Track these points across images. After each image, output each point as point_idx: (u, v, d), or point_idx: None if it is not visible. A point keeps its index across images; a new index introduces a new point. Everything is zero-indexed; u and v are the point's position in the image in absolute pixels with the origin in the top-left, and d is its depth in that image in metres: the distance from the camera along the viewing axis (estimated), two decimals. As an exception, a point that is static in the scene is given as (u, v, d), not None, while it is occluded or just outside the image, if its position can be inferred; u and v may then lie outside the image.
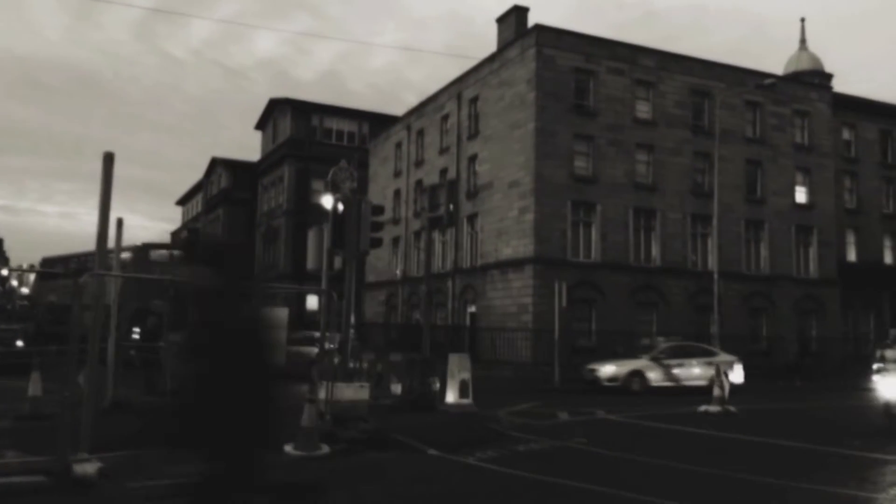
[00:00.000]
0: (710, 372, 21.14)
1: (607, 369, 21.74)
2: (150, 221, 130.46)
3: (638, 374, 21.48)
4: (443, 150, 36.23)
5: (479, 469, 9.58)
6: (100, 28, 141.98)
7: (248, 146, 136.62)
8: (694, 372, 21.87)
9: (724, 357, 22.63)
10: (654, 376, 21.59)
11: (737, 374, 22.03)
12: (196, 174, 69.88)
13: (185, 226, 71.15)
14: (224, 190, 59.18)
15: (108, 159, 8.68)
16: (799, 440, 12.63)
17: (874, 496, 8.46)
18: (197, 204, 71.36)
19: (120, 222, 13.55)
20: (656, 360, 22.02)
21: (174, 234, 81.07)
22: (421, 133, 38.93)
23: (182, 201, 79.65)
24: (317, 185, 44.92)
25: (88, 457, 8.10)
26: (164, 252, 32.38)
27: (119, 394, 13.97)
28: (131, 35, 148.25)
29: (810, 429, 14.83)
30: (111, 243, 10.95)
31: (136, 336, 24.55)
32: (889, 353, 13.59)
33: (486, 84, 32.81)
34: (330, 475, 9.09)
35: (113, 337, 13.39)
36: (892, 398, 13.17)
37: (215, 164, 62.35)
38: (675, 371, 21.83)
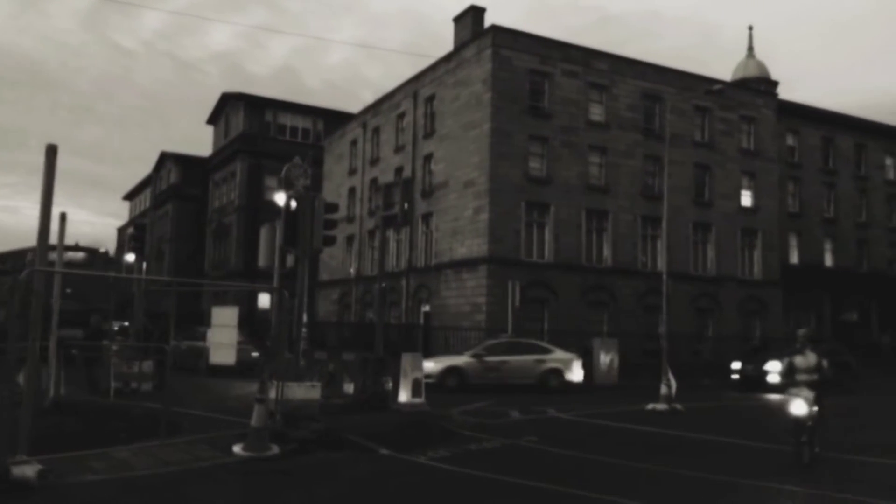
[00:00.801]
0: (541, 368, 21.09)
1: (426, 365, 20.98)
2: (96, 217, 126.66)
3: (455, 371, 20.62)
4: (398, 149, 36.13)
5: (431, 468, 9.59)
6: (46, 16, 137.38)
7: (200, 141, 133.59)
8: (518, 369, 21.04)
9: (560, 354, 21.76)
10: (473, 373, 20.74)
11: (576, 373, 21.45)
12: (145, 168, 68.31)
13: (132, 221, 69.36)
14: (173, 185, 57.90)
15: (51, 152, 8.41)
16: (744, 437, 12.97)
17: (816, 492, 8.75)
18: (145, 199, 69.65)
19: (63, 217, 13.14)
20: (477, 356, 21.14)
21: (121, 230, 78.97)
22: (377, 131, 38.75)
23: (129, 196, 77.62)
24: (270, 181, 44.35)
25: (28, 458, 7.84)
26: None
27: (61, 393, 13.57)
28: (79, 24, 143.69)
29: (755, 426, 15.25)
30: (53, 239, 10.61)
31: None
32: (799, 362, 10.49)
33: (442, 83, 32.85)
34: (280, 476, 8.99)
35: (55, 335, 12.98)
36: (802, 414, 10.08)
37: (165, 158, 60.94)
38: (497, 368, 20.97)
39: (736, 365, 25.24)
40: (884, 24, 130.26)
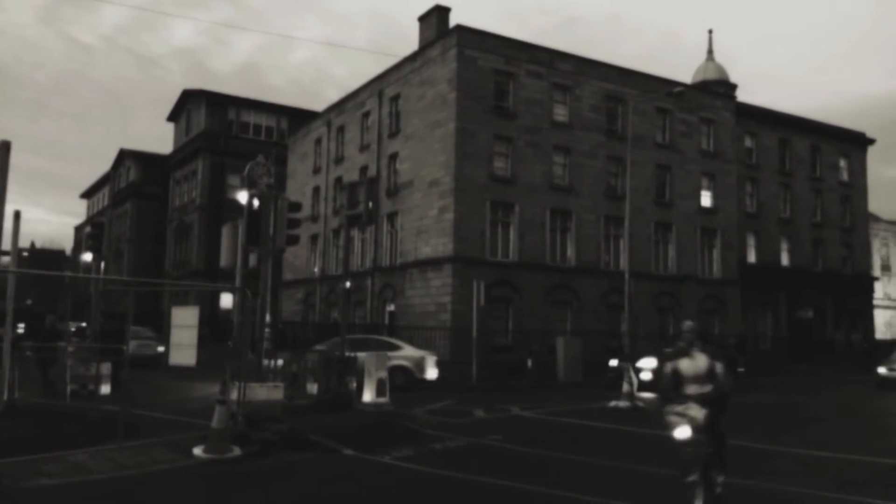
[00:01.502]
0: (390, 364, 19.49)
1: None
2: (52, 215, 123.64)
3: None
4: (363, 148, 35.98)
5: (395, 468, 9.58)
6: (0, 9, 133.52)
7: (161, 138, 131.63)
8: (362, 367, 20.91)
9: (409, 352, 21.19)
10: None
11: (430, 371, 20.98)
12: (104, 166, 66.79)
13: (90, 220, 67.82)
14: (133, 183, 56.79)
15: (5, 148, 8.21)
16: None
17: (768, 486, 8.96)
18: (103, 197, 68.19)
19: (17, 215, 12.80)
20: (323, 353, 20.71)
21: (78, 229, 77.17)
22: (341, 130, 38.53)
23: (87, 194, 75.90)
24: (232, 180, 43.81)
25: (-21, 464, 7.62)
26: None
27: (15, 396, 13.22)
28: (36, 18, 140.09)
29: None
30: (7, 237, 10.34)
31: (20, 331, 23.36)
32: (686, 367, 7.26)
33: (407, 83, 32.80)
34: (241, 478, 8.89)
35: (9, 336, 12.65)
36: (686, 437, 7.03)
37: (124, 155, 59.74)
38: None
39: (613, 362, 24.60)
40: (839, 29, 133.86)
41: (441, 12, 33.10)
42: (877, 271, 55.51)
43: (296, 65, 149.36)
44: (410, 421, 13.80)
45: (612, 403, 17.54)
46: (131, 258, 54.43)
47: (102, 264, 21.55)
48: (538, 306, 29.83)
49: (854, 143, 45.79)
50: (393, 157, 33.34)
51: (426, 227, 30.15)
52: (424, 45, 32.33)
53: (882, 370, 26.41)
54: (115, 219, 59.97)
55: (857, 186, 45.50)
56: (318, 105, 45.60)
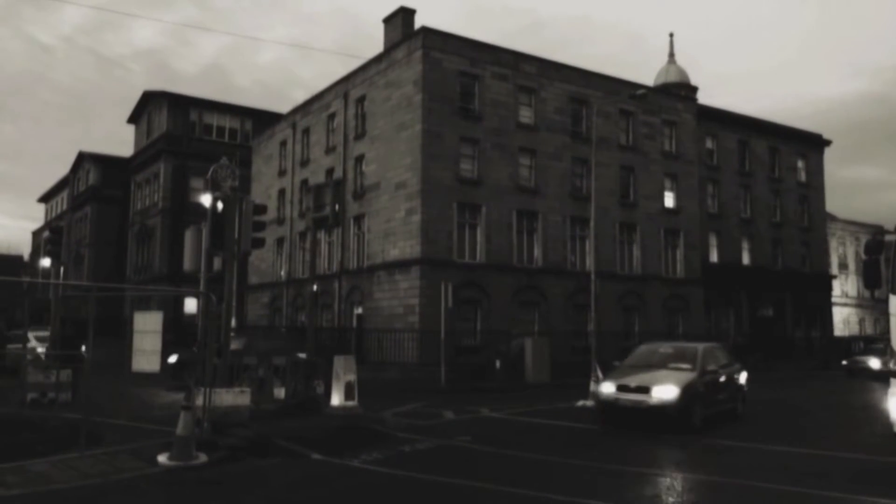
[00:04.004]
0: None
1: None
2: (10, 220, 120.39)
3: None
4: (329, 150, 35.76)
5: (364, 471, 9.54)
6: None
7: (124, 140, 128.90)
8: None
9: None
10: None
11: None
12: (64, 169, 65.25)
13: (49, 224, 66.23)
14: (92, 187, 55.58)
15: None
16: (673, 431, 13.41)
17: (728, 480, 9.13)
18: (62, 201, 66.63)
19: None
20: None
21: (36, 234, 75.28)
22: (307, 132, 38.24)
23: (45, 198, 74.09)
24: (196, 183, 43.18)
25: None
26: None
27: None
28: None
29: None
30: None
31: None
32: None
33: (373, 84, 32.70)
34: (207, 485, 8.76)
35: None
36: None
37: (83, 158, 58.44)
38: None
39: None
40: (797, 33, 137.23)
41: (406, 14, 33.08)
42: (835, 269, 57.07)
43: (262, 66, 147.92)
44: (379, 424, 13.74)
45: (581, 403, 17.69)
46: (92, 263, 53.25)
47: (62, 269, 21.03)
48: (506, 307, 29.96)
49: (811, 145, 46.97)
50: (359, 159, 33.20)
51: (393, 229, 30.08)
52: (390, 47, 32.27)
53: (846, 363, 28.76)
54: (75, 223, 58.59)
55: (814, 187, 46.67)
56: (286, 106, 45.30)
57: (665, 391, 12.84)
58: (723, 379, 14.64)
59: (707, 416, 13.35)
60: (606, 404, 13.60)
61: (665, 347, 15.55)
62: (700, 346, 14.87)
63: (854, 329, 60.83)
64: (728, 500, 8.35)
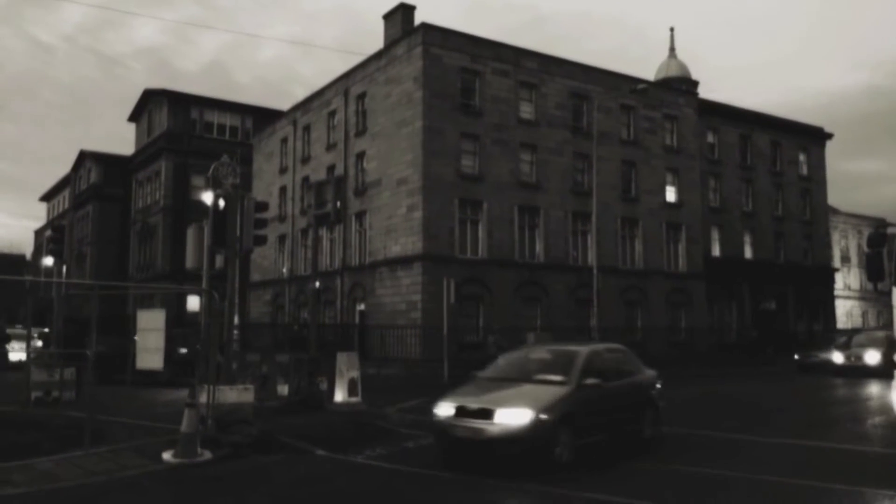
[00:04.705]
0: None
1: None
2: (12, 219, 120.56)
3: None
4: (330, 147, 35.75)
5: (368, 467, 9.55)
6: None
7: (125, 139, 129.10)
8: None
9: None
10: None
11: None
12: (65, 168, 65.30)
13: (51, 223, 66.32)
14: (94, 185, 55.61)
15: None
16: (672, 424, 13.40)
17: (729, 473, 9.13)
18: (64, 200, 66.67)
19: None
20: None
21: (38, 233, 75.38)
22: (307, 129, 38.22)
23: (46, 197, 74.13)
24: (197, 181, 43.19)
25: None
26: None
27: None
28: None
29: (682, 414, 15.78)
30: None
31: None
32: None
33: (373, 81, 32.67)
34: (212, 482, 8.79)
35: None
36: None
37: (84, 157, 58.45)
38: None
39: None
40: (797, 26, 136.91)
41: (406, 10, 33.02)
42: (837, 263, 57.00)
43: (263, 63, 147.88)
44: (383, 420, 13.77)
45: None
46: (94, 261, 53.31)
47: (64, 268, 21.08)
48: (508, 303, 29.97)
49: (813, 138, 46.87)
50: (360, 155, 33.19)
51: (395, 225, 30.08)
52: (390, 44, 32.23)
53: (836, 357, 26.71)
54: (77, 222, 58.66)
55: (816, 180, 46.58)
56: (287, 103, 45.22)
57: (512, 415, 9.07)
58: (616, 393, 10.63)
59: (584, 445, 9.62)
60: (440, 434, 9.84)
61: (541, 352, 11.84)
62: (582, 350, 10.89)
63: (857, 322, 60.76)
64: None
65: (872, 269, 10.55)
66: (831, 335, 34.91)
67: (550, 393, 9.67)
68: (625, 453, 10.26)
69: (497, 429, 9.05)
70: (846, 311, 60.30)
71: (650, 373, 11.99)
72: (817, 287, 45.27)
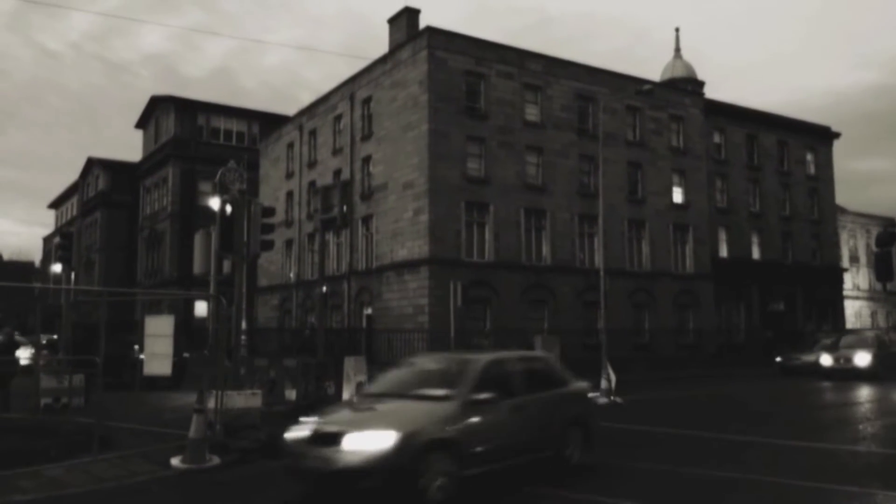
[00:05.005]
0: None
1: None
2: (21, 226, 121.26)
3: None
4: (336, 151, 35.82)
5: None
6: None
7: (133, 145, 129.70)
8: None
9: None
10: None
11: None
12: (74, 175, 65.61)
13: (59, 230, 66.65)
14: (102, 192, 55.89)
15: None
16: (683, 427, 13.36)
17: (751, 477, 9.07)
18: (72, 207, 67.03)
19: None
20: None
21: (47, 240, 75.77)
22: (313, 133, 38.31)
23: (55, 204, 74.55)
24: (204, 186, 43.31)
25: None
26: None
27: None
28: (2, 26, 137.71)
29: (693, 416, 15.73)
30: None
31: None
32: None
33: (378, 85, 32.72)
34: (220, 487, 8.80)
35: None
36: None
37: (92, 164, 58.77)
38: None
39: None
40: (803, 24, 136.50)
41: (411, 14, 33.07)
42: (846, 262, 56.66)
43: (269, 68, 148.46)
44: (390, 424, 13.71)
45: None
46: (102, 268, 53.55)
47: (73, 275, 21.18)
48: (515, 305, 29.92)
49: (820, 137, 46.65)
50: (366, 159, 33.24)
51: (401, 229, 30.10)
52: (395, 48, 32.29)
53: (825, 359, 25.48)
54: (85, 228, 58.95)
55: (824, 179, 46.36)
56: (293, 108, 45.44)
57: (365, 440, 7.31)
58: (528, 411, 8.76)
59: (479, 476, 7.92)
60: (288, 464, 8.09)
61: (437, 361, 10.04)
62: (479, 359, 9.06)
63: (866, 322, 60.38)
64: None
65: (881, 268, 10.51)
66: (814, 336, 33.71)
67: (424, 411, 7.95)
68: (536, 484, 8.35)
69: (347, 457, 7.25)
70: (855, 311, 59.92)
71: (579, 385, 10.11)
72: (826, 287, 45.02)
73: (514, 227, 30.71)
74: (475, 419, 8.05)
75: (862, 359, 24.36)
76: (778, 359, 29.93)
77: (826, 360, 25.52)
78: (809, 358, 27.38)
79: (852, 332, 33.98)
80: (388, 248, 30.92)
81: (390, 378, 9.58)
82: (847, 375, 23.94)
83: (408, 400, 8.40)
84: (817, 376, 25.22)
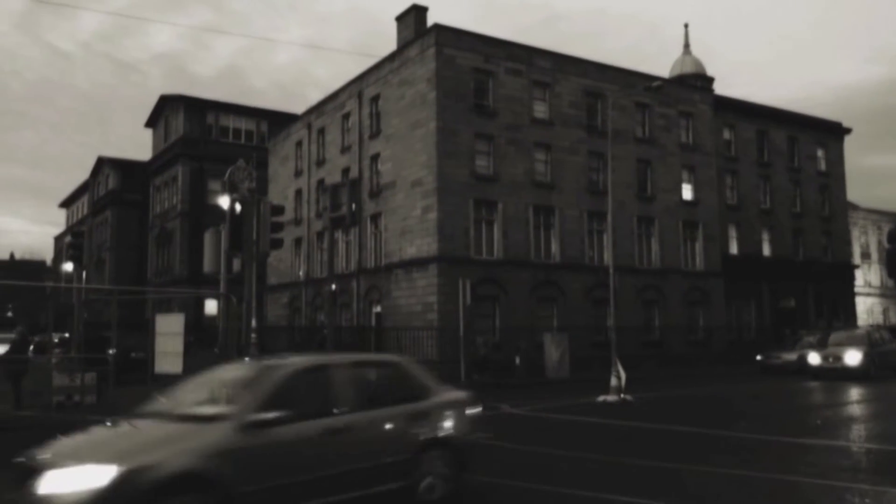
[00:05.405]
0: None
1: None
2: (33, 225, 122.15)
3: None
4: (344, 149, 35.86)
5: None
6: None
7: (142, 144, 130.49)
8: None
9: None
10: None
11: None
12: (84, 174, 66.05)
13: (70, 229, 67.07)
14: (112, 191, 56.23)
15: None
16: (692, 425, 13.32)
17: (763, 475, 9.04)
18: (83, 206, 67.45)
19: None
20: None
21: (58, 239, 76.28)
22: (322, 132, 38.37)
23: (66, 204, 75.05)
24: (213, 185, 43.51)
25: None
26: None
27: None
28: (13, 26, 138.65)
29: (701, 415, 15.68)
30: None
31: None
32: None
33: (386, 83, 32.73)
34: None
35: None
36: None
37: (102, 163, 59.12)
38: None
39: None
40: (814, 19, 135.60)
41: (419, 12, 33.06)
42: (857, 259, 56.31)
43: (278, 67, 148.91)
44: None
45: (602, 398, 17.64)
46: (113, 267, 53.89)
47: (84, 274, 21.32)
48: (524, 303, 29.90)
49: (831, 133, 46.34)
50: (374, 157, 33.27)
51: (410, 227, 30.12)
52: (403, 45, 32.28)
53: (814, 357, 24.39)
54: (96, 227, 59.35)
55: (835, 176, 46.06)
56: (302, 106, 45.49)
57: (74, 478, 5.49)
58: (348, 433, 6.81)
59: None
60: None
61: (238, 370, 7.82)
62: (286, 367, 7.13)
63: (878, 319, 60.00)
64: None
65: (893, 264, 10.43)
66: (796, 333, 32.72)
67: (173, 437, 6.05)
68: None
69: (46, 501, 5.47)
70: (867, 308, 59.54)
71: (449, 396, 8.20)
72: (837, 284, 44.74)
73: (523, 224, 30.67)
74: (257, 446, 6.08)
75: (853, 357, 23.17)
76: (758, 357, 28.94)
77: (814, 358, 24.36)
78: (791, 356, 26.61)
79: (841, 329, 32.71)
80: (396, 245, 30.95)
81: (180, 391, 7.48)
82: (837, 375, 22.86)
83: (169, 421, 6.44)
84: (803, 376, 24.31)
